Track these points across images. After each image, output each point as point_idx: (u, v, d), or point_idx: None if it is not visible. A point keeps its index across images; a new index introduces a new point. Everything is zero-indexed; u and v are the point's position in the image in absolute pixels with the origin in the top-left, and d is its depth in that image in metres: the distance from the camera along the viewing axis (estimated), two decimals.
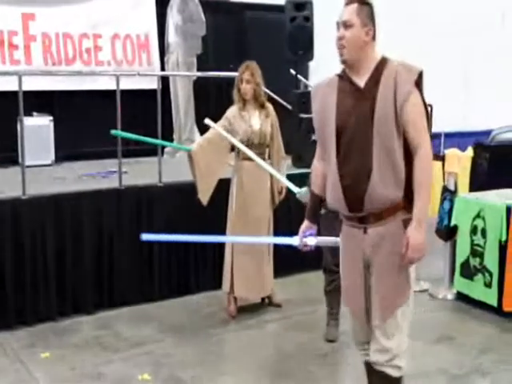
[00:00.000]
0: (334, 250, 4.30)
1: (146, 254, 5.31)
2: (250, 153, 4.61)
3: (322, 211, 3.77)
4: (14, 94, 5.12)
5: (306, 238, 3.08)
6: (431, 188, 2.85)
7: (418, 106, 2.75)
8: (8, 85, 5.75)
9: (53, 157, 6.46)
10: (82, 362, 4.23)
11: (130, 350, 4.42)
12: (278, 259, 5.15)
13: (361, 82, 2.79)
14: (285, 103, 6.75)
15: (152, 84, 6.23)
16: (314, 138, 6.20)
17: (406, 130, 2.73)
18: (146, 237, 3.59)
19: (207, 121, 4.77)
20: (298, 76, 6.96)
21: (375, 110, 2.72)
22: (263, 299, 5.25)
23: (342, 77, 2.85)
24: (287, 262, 5.37)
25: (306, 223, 3.11)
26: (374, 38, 2.81)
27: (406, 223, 2.77)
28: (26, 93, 5.11)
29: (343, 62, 2.81)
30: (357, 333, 3.07)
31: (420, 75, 2.75)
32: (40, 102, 6.45)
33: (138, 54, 7.40)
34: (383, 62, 2.80)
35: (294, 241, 3.10)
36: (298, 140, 6.27)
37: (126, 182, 5.37)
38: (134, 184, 5.40)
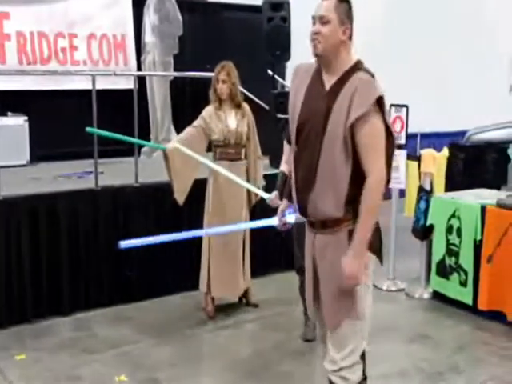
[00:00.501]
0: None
1: (123, 254, 5.25)
2: (220, 169, 4.60)
3: None
4: None
5: (285, 216, 3.08)
6: (377, 215, 2.70)
7: (373, 130, 2.62)
8: None
9: (28, 157, 6.39)
10: (58, 364, 4.20)
11: (107, 352, 4.40)
12: (255, 259, 5.16)
13: (328, 83, 2.71)
14: (262, 103, 6.75)
15: (128, 84, 6.19)
16: None
17: (358, 153, 2.63)
18: (124, 244, 3.47)
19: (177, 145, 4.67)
20: (275, 76, 6.97)
21: (328, 123, 2.65)
22: (241, 299, 5.26)
23: (317, 69, 2.77)
24: (265, 261, 5.38)
25: (284, 202, 3.09)
26: (350, 37, 2.73)
27: (352, 234, 2.69)
28: (0, 92, 5.04)
29: (316, 55, 2.71)
30: (319, 329, 3.08)
31: (379, 99, 2.61)
32: (15, 101, 6.35)
33: (115, 53, 7.35)
34: (354, 69, 2.69)
35: (273, 221, 3.09)
36: (275, 140, 6.26)
37: (102, 182, 5.33)
38: (110, 184, 5.36)
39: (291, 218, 3.04)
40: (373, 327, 4.72)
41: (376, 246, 2.81)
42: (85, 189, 5.26)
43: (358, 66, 2.71)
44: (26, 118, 6.42)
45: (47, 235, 4.95)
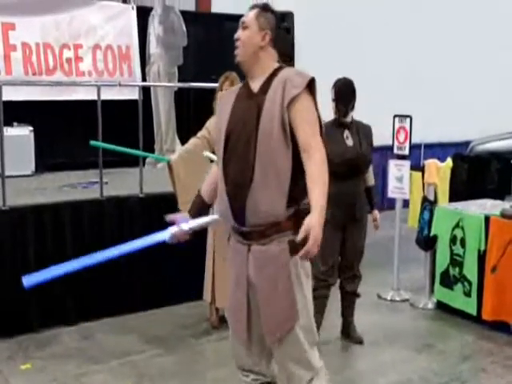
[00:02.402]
0: (325, 259, 4.37)
1: (127, 264, 5.28)
2: None
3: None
4: None
5: (180, 226, 2.81)
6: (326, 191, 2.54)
7: (308, 110, 2.62)
8: None
9: (33, 167, 6.43)
10: (63, 373, 4.20)
11: (112, 361, 4.40)
12: None
13: (255, 86, 2.72)
14: None
15: (133, 95, 6.24)
16: None
17: (296, 135, 2.58)
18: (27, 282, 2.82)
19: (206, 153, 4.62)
20: None
21: (260, 119, 2.62)
22: None
23: (244, 84, 2.82)
24: None
25: (180, 214, 2.93)
26: (271, 44, 2.73)
27: (292, 245, 2.57)
28: (5, 103, 5.07)
29: (238, 63, 2.77)
30: (240, 357, 2.87)
31: (311, 81, 2.62)
32: (20, 112, 6.40)
33: (120, 64, 7.41)
34: (278, 69, 2.72)
35: (165, 235, 2.80)
36: None
37: (107, 192, 5.36)
38: (115, 195, 5.39)
39: (185, 226, 2.78)
40: (377, 336, 4.80)
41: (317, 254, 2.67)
42: (90, 199, 5.28)
43: (282, 67, 2.74)
44: (32, 128, 6.46)
45: (52, 245, 4.97)
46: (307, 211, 2.49)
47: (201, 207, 2.93)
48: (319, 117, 2.66)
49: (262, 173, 2.59)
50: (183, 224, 2.78)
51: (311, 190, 2.49)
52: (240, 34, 2.75)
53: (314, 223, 2.41)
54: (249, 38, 2.72)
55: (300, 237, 2.40)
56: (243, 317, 2.75)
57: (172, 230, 2.78)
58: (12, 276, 4.77)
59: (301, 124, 2.58)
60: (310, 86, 2.63)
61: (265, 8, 2.78)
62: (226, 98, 2.88)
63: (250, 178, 2.60)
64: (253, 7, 2.79)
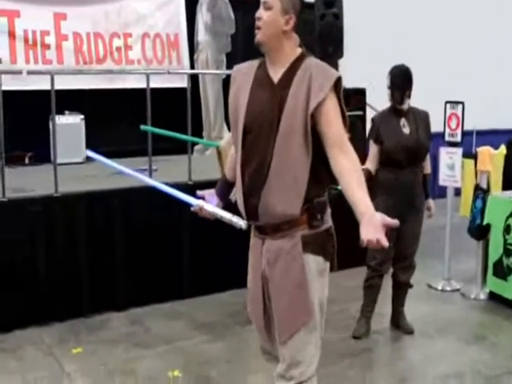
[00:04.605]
0: (382, 250, 4.30)
1: (176, 251, 5.34)
2: None
3: None
4: (46, 92, 5.17)
5: (206, 203, 2.78)
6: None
7: (336, 111, 2.48)
8: (40, 84, 5.83)
9: (84, 155, 6.53)
10: (113, 358, 4.27)
11: (161, 347, 4.45)
12: None
13: (275, 75, 2.56)
14: None
15: (182, 82, 6.27)
16: None
17: (324, 133, 2.45)
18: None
19: None
20: None
21: (282, 115, 2.48)
22: None
23: (261, 64, 2.63)
24: None
25: (211, 191, 2.88)
26: (294, 29, 2.56)
27: (306, 240, 2.53)
28: (57, 92, 5.16)
29: (257, 44, 2.58)
30: (262, 341, 2.85)
31: (337, 81, 2.48)
32: (71, 100, 6.50)
33: (168, 52, 7.45)
34: (300, 59, 2.55)
35: (194, 201, 2.81)
36: None
37: (155, 179, 5.38)
38: (164, 181, 5.41)
39: (208, 206, 2.76)
40: (428, 327, 4.72)
41: (330, 251, 2.63)
42: (139, 186, 5.33)
43: (304, 55, 2.58)
44: (83, 116, 6.56)
45: (103, 231, 5.06)
46: (321, 206, 2.53)
47: (225, 187, 2.88)
48: (345, 116, 2.53)
49: (279, 173, 2.48)
50: (208, 204, 2.77)
51: (354, 188, 2.38)
52: (262, 13, 2.55)
53: (376, 224, 2.27)
54: (271, 20, 2.52)
55: (370, 246, 2.28)
56: (260, 310, 2.71)
57: (200, 203, 2.78)
58: (64, 261, 4.88)
59: (329, 125, 2.45)
60: (336, 84, 2.48)
61: None
62: (240, 77, 2.68)
63: (264, 178, 2.50)
64: None
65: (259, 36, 2.56)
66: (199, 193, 2.88)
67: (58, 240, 4.88)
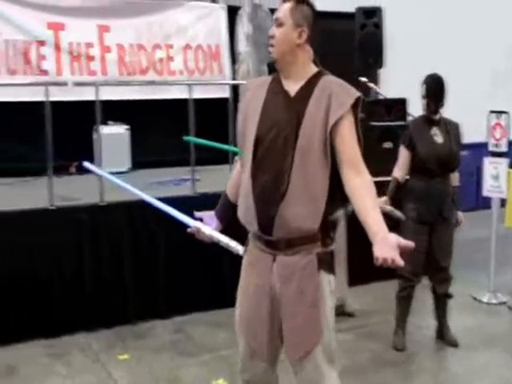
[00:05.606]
0: (410, 257, 4.30)
1: (217, 261, 5.37)
2: None
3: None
4: (90, 103, 5.28)
5: (203, 226, 2.74)
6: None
7: (352, 131, 2.46)
8: (85, 95, 5.96)
9: (129, 164, 6.63)
10: (158, 365, 4.32)
11: (205, 355, 4.49)
12: (352, 268, 5.12)
13: (291, 89, 2.54)
14: None
15: (223, 93, 6.32)
16: (385, 145, 6.20)
17: (340, 152, 2.43)
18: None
19: None
20: (369, 84, 6.91)
21: (300, 129, 2.45)
22: (336, 308, 5.22)
23: (274, 79, 2.63)
24: (362, 270, 5.32)
25: (211, 213, 2.83)
26: (309, 42, 2.55)
27: (321, 258, 2.49)
28: (101, 102, 5.26)
29: (273, 61, 2.58)
30: (255, 368, 2.66)
31: (357, 101, 2.47)
32: (115, 111, 6.60)
33: (210, 63, 7.54)
34: (318, 75, 2.54)
35: (191, 222, 2.77)
36: (367, 148, 6.21)
37: (198, 189, 5.46)
38: (206, 191, 5.48)
39: (206, 229, 2.72)
40: (473, 339, 4.67)
41: (332, 263, 2.58)
42: (182, 196, 5.40)
43: (323, 72, 2.57)
44: (128, 126, 6.66)
45: (147, 240, 5.13)
46: (334, 225, 2.52)
47: (226, 208, 2.81)
48: (360, 138, 2.51)
49: (298, 188, 2.44)
50: (206, 227, 2.73)
51: (367, 208, 2.35)
52: (274, 31, 2.55)
53: (391, 245, 2.24)
54: (284, 36, 2.52)
55: (384, 264, 2.24)
56: (264, 334, 2.58)
57: (197, 224, 2.74)
58: (110, 270, 4.96)
59: (345, 144, 2.44)
60: (356, 104, 2.46)
61: (300, 0, 2.56)
62: (253, 90, 2.67)
63: (283, 192, 2.45)
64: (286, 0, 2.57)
65: (274, 54, 2.56)
66: (197, 214, 2.84)
67: (103, 247, 4.96)
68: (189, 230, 2.77)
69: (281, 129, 2.48)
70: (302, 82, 2.53)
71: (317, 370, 2.54)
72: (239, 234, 2.70)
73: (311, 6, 2.58)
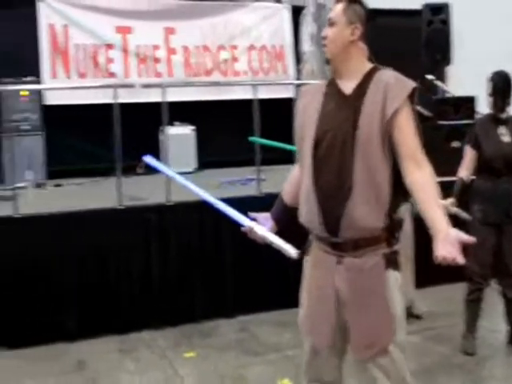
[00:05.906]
0: (478, 259, 4.19)
1: (282, 260, 5.36)
2: None
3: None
4: (156, 104, 5.37)
5: (256, 226, 2.69)
6: None
7: (410, 122, 2.44)
8: (151, 96, 6.07)
9: (195, 165, 6.71)
10: (224, 363, 4.36)
11: (270, 355, 4.50)
12: (419, 269, 5.03)
13: (346, 88, 2.53)
14: (422, 110, 6.60)
15: (288, 93, 6.32)
16: (453, 145, 6.07)
17: (399, 145, 2.41)
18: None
19: None
20: (436, 81, 6.79)
21: (358, 125, 2.43)
22: None
23: (330, 82, 2.62)
24: (430, 272, 5.23)
25: (267, 214, 2.79)
26: (362, 38, 2.54)
27: (388, 258, 2.46)
28: (167, 103, 5.35)
29: (327, 61, 2.59)
30: (319, 368, 2.64)
31: (413, 91, 2.44)
32: (181, 112, 6.70)
33: (274, 63, 7.56)
34: (373, 71, 2.52)
35: (245, 221, 2.72)
36: (435, 147, 6.10)
37: (264, 189, 5.48)
38: (272, 191, 5.49)
39: (259, 229, 2.67)
40: None
41: (398, 261, 2.52)
42: (248, 196, 5.43)
43: (378, 67, 2.54)
44: (194, 127, 6.75)
45: (213, 239, 5.18)
46: (399, 224, 2.49)
47: (281, 210, 2.79)
48: (419, 128, 2.47)
49: (362, 185, 2.41)
50: (259, 227, 2.70)
51: (429, 203, 2.33)
52: (327, 31, 2.56)
53: (452, 242, 2.21)
54: (337, 35, 2.52)
55: (444, 262, 2.21)
56: (329, 335, 2.56)
57: (251, 224, 2.71)
58: (176, 268, 5.04)
59: (404, 135, 2.41)
60: (412, 94, 2.45)
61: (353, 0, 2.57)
62: (309, 95, 2.66)
63: (348, 190, 2.42)
64: (338, 0, 2.59)
65: (328, 53, 2.57)
66: (252, 215, 2.81)
67: (170, 247, 5.05)
68: (242, 228, 2.76)
69: (339, 127, 2.47)
70: (357, 80, 2.52)
71: (394, 364, 2.50)
72: (294, 236, 2.68)
73: (363, 5, 2.59)
